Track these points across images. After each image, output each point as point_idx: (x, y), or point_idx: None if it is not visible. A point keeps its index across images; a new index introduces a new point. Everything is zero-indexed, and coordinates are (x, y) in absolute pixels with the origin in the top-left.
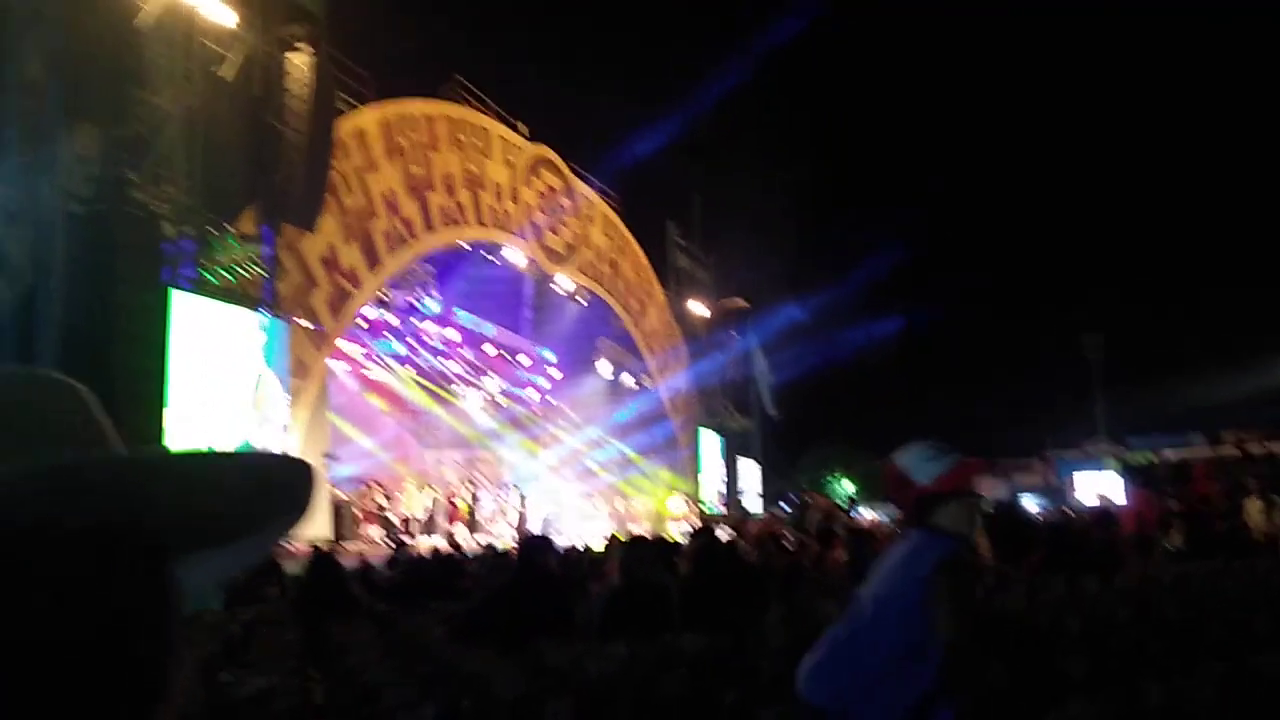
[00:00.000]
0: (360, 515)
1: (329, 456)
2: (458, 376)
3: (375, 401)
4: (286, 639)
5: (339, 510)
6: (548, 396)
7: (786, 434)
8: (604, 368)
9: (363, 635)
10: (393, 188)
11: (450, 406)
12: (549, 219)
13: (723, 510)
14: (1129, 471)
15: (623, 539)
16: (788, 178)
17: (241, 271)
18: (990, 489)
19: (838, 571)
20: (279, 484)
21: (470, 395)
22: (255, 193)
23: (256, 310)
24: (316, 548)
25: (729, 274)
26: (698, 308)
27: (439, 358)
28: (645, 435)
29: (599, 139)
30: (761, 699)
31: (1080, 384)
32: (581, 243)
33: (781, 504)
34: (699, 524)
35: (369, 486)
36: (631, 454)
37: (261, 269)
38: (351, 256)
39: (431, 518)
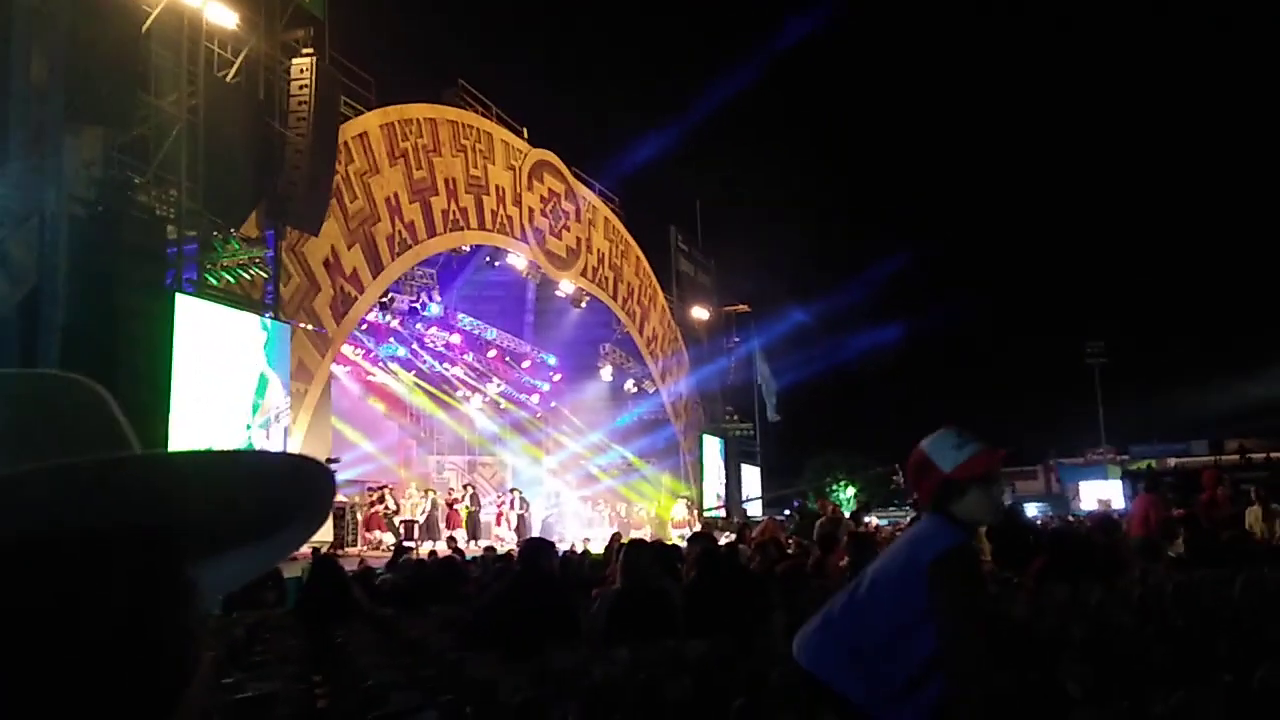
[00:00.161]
0: (362, 520)
1: (331, 461)
2: (460, 381)
3: (377, 405)
4: (289, 643)
5: (341, 514)
6: (550, 401)
7: (789, 439)
8: (606, 372)
9: (365, 639)
10: (396, 192)
11: (452, 411)
12: (551, 223)
13: (724, 515)
14: (1132, 477)
15: (624, 542)
16: (791, 184)
17: (244, 275)
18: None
19: (839, 576)
20: (297, 487)
21: (472, 399)
22: (258, 196)
23: (260, 314)
24: (317, 551)
25: (731, 279)
26: (700, 313)
27: (442, 362)
28: (647, 440)
29: (602, 144)
30: (768, 705)
31: (1083, 391)
32: (584, 247)
33: (785, 510)
34: (700, 529)
35: (374, 491)
36: (633, 459)
37: (264, 272)
38: (354, 260)
39: (432, 522)
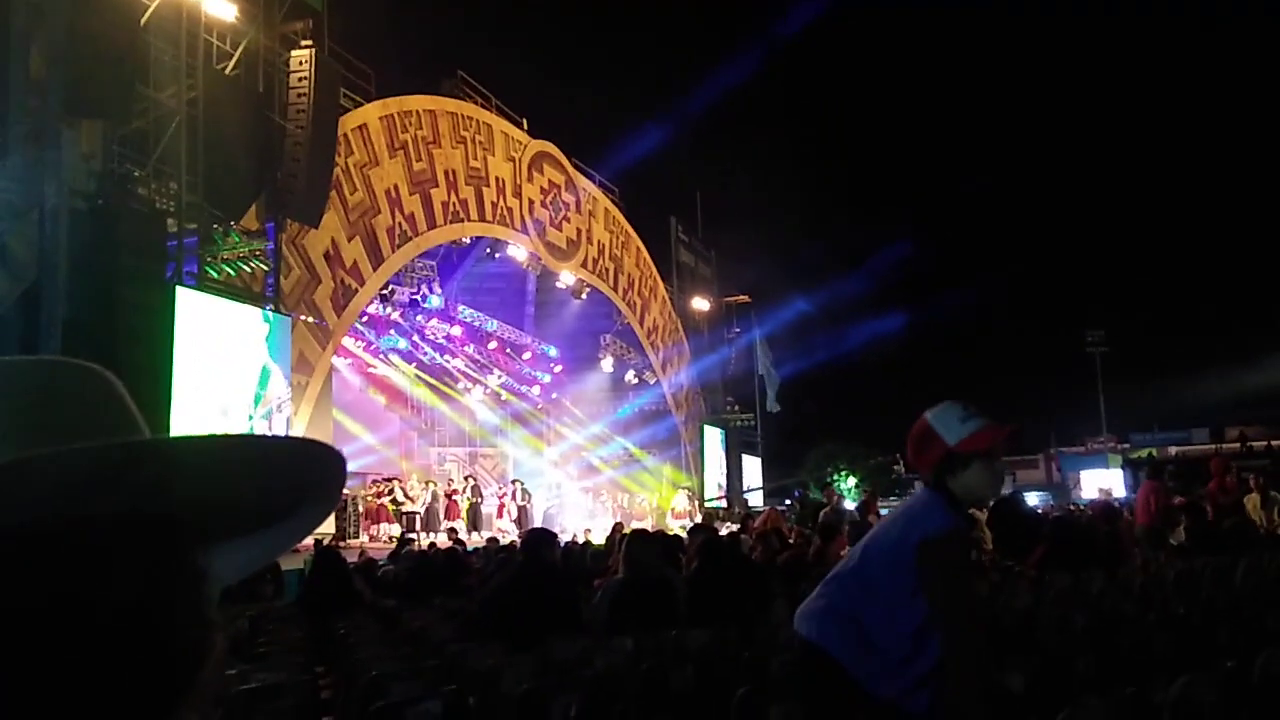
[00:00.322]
0: (364, 511)
1: None
2: (461, 372)
3: (378, 397)
4: (292, 634)
5: (343, 506)
6: (550, 392)
7: (790, 430)
8: (607, 364)
9: (368, 630)
10: (396, 184)
11: (453, 402)
12: (552, 215)
13: (725, 505)
14: (1133, 465)
15: (626, 533)
16: (791, 174)
17: (245, 268)
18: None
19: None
20: (308, 471)
21: (473, 391)
22: (258, 189)
23: (261, 307)
24: (319, 543)
25: (732, 270)
26: (700, 303)
27: (442, 354)
28: (648, 431)
29: (602, 135)
30: (771, 694)
31: (1083, 380)
32: (584, 238)
33: (786, 500)
34: (701, 520)
35: (381, 483)
36: (634, 450)
37: (265, 265)
38: (355, 252)
39: (433, 514)
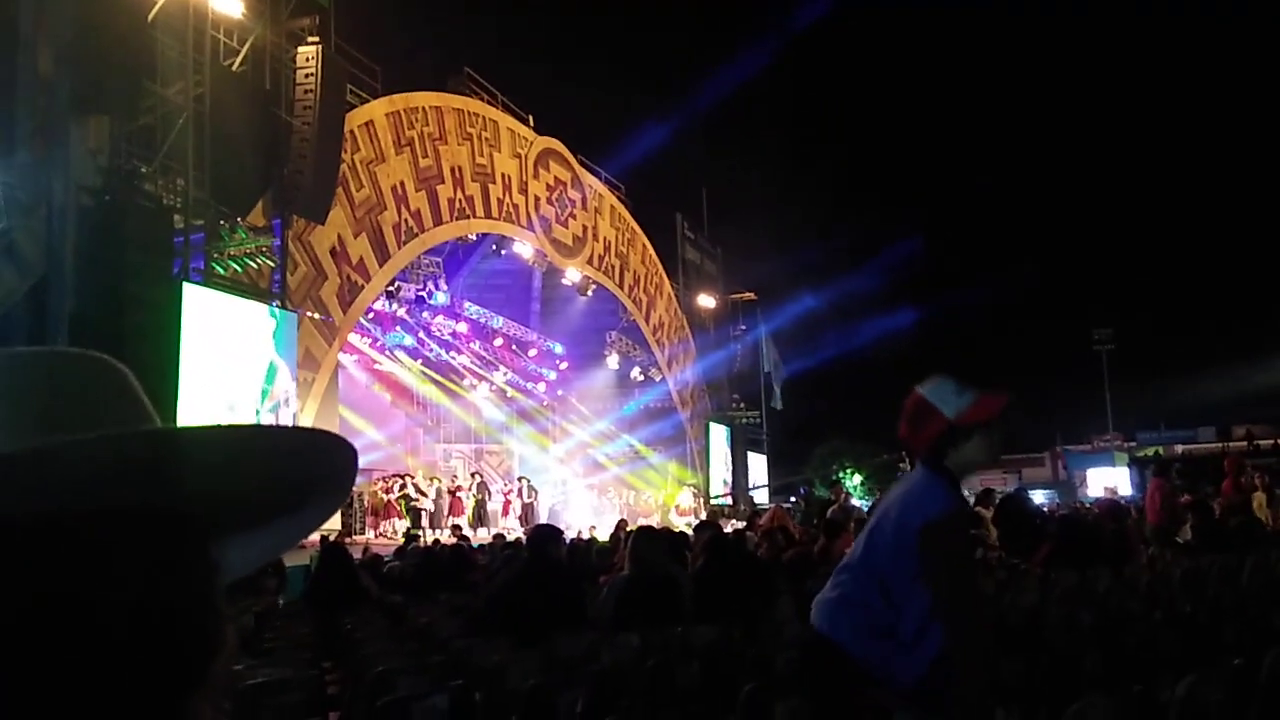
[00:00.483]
0: (370, 506)
1: None
2: (466, 369)
3: (384, 394)
4: (299, 630)
5: (349, 502)
6: (556, 389)
7: (795, 427)
8: (612, 360)
9: (375, 626)
10: (402, 180)
11: (459, 399)
12: (558, 211)
13: (730, 503)
14: (1139, 464)
15: (631, 529)
16: (798, 171)
17: (251, 264)
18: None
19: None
20: (320, 462)
21: (479, 388)
22: (265, 185)
23: (267, 303)
24: (325, 539)
25: (738, 267)
26: (706, 300)
27: (448, 351)
28: (654, 428)
29: (608, 132)
30: (776, 691)
31: (1090, 378)
32: (590, 235)
33: (791, 497)
34: (706, 517)
35: (392, 479)
36: (640, 447)
37: (271, 261)
38: (361, 249)
39: (439, 510)
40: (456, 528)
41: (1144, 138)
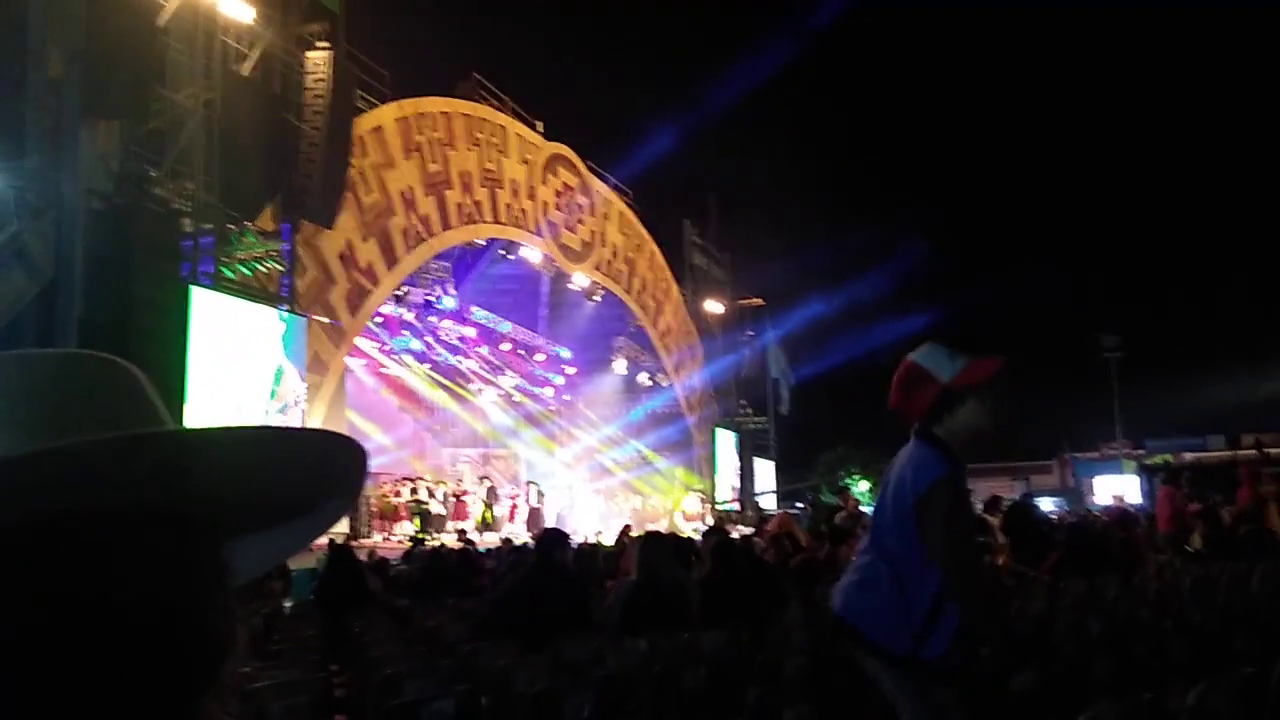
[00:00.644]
0: (378, 510)
1: None
2: (474, 373)
3: (391, 398)
4: (307, 633)
5: (356, 505)
6: (563, 394)
7: (802, 433)
8: (620, 366)
9: (382, 629)
10: (410, 185)
11: (466, 403)
12: (566, 217)
13: (738, 508)
14: (1148, 471)
15: (636, 534)
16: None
17: (260, 268)
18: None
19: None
20: (331, 464)
21: (486, 392)
22: (274, 189)
23: (275, 307)
24: (333, 542)
25: (745, 273)
26: (714, 306)
27: (456, 355)
28: (661, 433)
29: (617, 138)
30: (784, 697)
31: (1098, 385)
32: (598, 240)
33: (798, 503)
34: (714, 523)
35: (401, 482)
36: (647, 452)
37: (280, 265)
38: (369, 254)
39: (445, 514)
40: (462, 532)
41: (1155, 145)
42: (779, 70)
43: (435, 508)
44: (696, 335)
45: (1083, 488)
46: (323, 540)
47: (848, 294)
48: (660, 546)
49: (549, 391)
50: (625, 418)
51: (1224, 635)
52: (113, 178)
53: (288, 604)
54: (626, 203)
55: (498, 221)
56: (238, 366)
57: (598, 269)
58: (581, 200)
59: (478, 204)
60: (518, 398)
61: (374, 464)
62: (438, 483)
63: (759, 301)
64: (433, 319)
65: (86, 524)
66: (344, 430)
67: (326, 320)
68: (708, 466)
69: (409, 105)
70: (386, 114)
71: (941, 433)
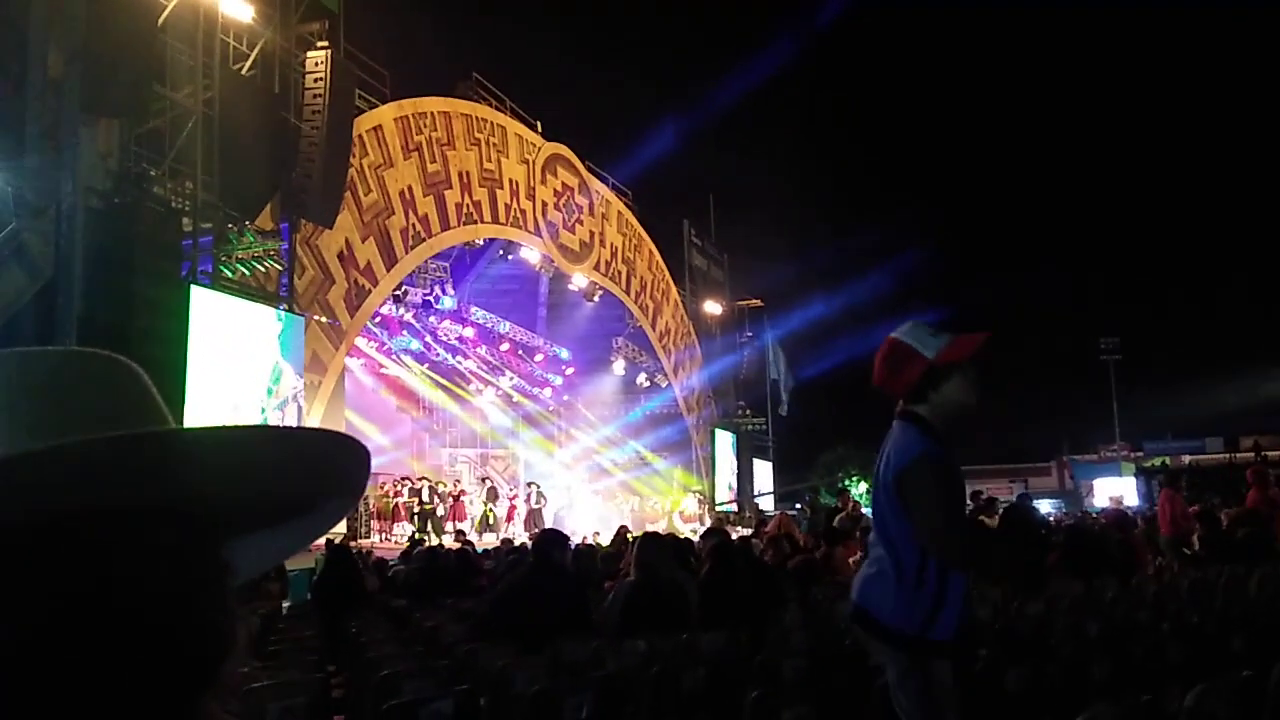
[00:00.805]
0: (375, 510)
1: None
2: (472, 374)
3: (390, 398)
4: (304, 633)
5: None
6: (562, 394)
7: (800, 433)
8: (619, 366)
9: (380, 630)
10: (410, 185)
11: (465, 404)
12: (565, 217)
13: (736, 509)
14: (1146, 474)
15: (634, 535)
16: (805, 179)
17: (259, 267)
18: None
19: (848, 571)
20: (333, 465)
21: (485, 393)
22: (273, 189)
23: (274, 306)
24: (331, 542)
25: (744, 273)
26: (713, 307)
27: (455, 355)
28: (659, 434)
29: (616, 138)
30: (783, 698)
31: (1097, 388)
32: (597, 241)
33: (796, 504)
34: (712, 523)
35: (399, 481)
36: (645, 453)
37: (279, 265)
38: (368, 253)
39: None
40: (460, 533)
41: (1155, 147)
42: (778, 70)
43: (438, 509)
44: (695, 336)
45: (1081, 490)
46: (320, 540)
47: (846, 295)
48: (659, 547)
49: (547, 392)
50: (624, 418)
51: (1222, 637)
52: (112, 177)
53: (285, 604)
54: (625, 203)
55: (497, 221)
56: (236, 365)
57: (596, 269)
58: (580, 200)
59: (477, 204)
60: (516, 398)
61: (373, 464)
62: (437, 483)
63: (758, 302)
64: (432, 319)
65: (87, 523)
66: (342, 430)
67: (325, 320)
68: (706, 467)
69: (408, 105)
70: (386, 113)
71: (926, 411)
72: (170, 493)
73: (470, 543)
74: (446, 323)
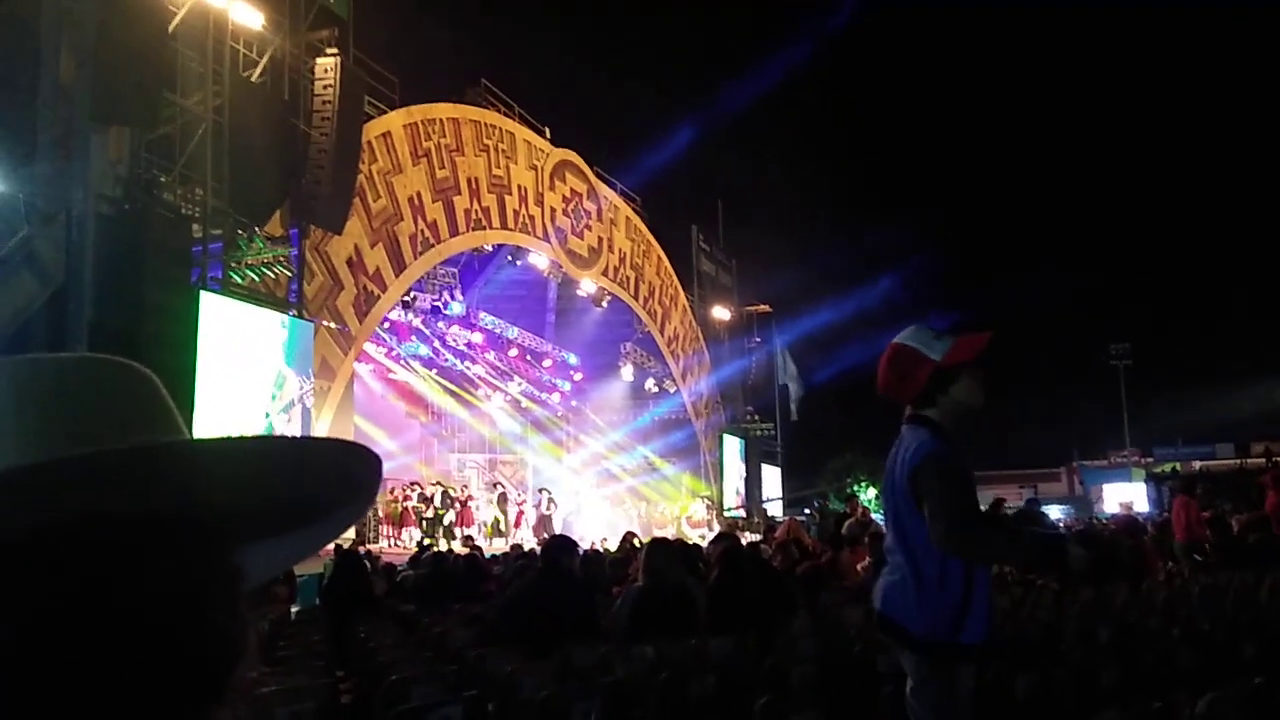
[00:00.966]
0: (384, 515)
1: None
2: (481, 379)
3: (399, 403)
4: (312, 638)
5: None
6: (571, 400)
7: (809, 439)
8: (627, 372)
9: (388, 635)
10: (418, 191)
11: (473, 409)
12: (573, 223)
13: (744, 515)
14: (1156, 480)
15: (640, 540)
16: (813, 184)
17: (268, 273)
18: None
19: (855, 576)
20: (345, 470)
21: (493, 398)
22: (283, 195)
23: (284, 312)
24: (340, 548)
25: (753, 279)
26: (721, 312)
27: (463, 361)
28: (668, 440)
29: (624, 144)
30: (792, 704)
31: (1107, 393)
32: (605, 247)
33: (805, 510)
34: (721, 529)
35: (410, 487)
36: (654, 458)
37: (288, 270)
38: (377, 259)
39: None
40: (469, 538)
41: (1166, 154)
42: (786, 76)
43: (447, 515)
44: (704, 342)
45: (1091, 495)
46: (330, 545)
47: (855, 300)
48: (667, 553)
49: (556, 397)
50: (632, 424)
51: (1233, 644)
52: (123, 183)
53: (294, 609)
54: (634, 209)
55: (505, 227)
56: (243, 370)
57: (605, 275)
58: (589, 206)
59: (485, 210)
60: (525, 403)
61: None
62: (446, 489)
63: (766, 308)
64: (440, 324)
65: (98, 532)
66: (351, 435)
67: (334, 326)
68: (714, 473)
69: (417, 111)
70: (395, 120)
71: (935, 414)
72: (179, 503)
73: (479, 548)
74: (455, 328)
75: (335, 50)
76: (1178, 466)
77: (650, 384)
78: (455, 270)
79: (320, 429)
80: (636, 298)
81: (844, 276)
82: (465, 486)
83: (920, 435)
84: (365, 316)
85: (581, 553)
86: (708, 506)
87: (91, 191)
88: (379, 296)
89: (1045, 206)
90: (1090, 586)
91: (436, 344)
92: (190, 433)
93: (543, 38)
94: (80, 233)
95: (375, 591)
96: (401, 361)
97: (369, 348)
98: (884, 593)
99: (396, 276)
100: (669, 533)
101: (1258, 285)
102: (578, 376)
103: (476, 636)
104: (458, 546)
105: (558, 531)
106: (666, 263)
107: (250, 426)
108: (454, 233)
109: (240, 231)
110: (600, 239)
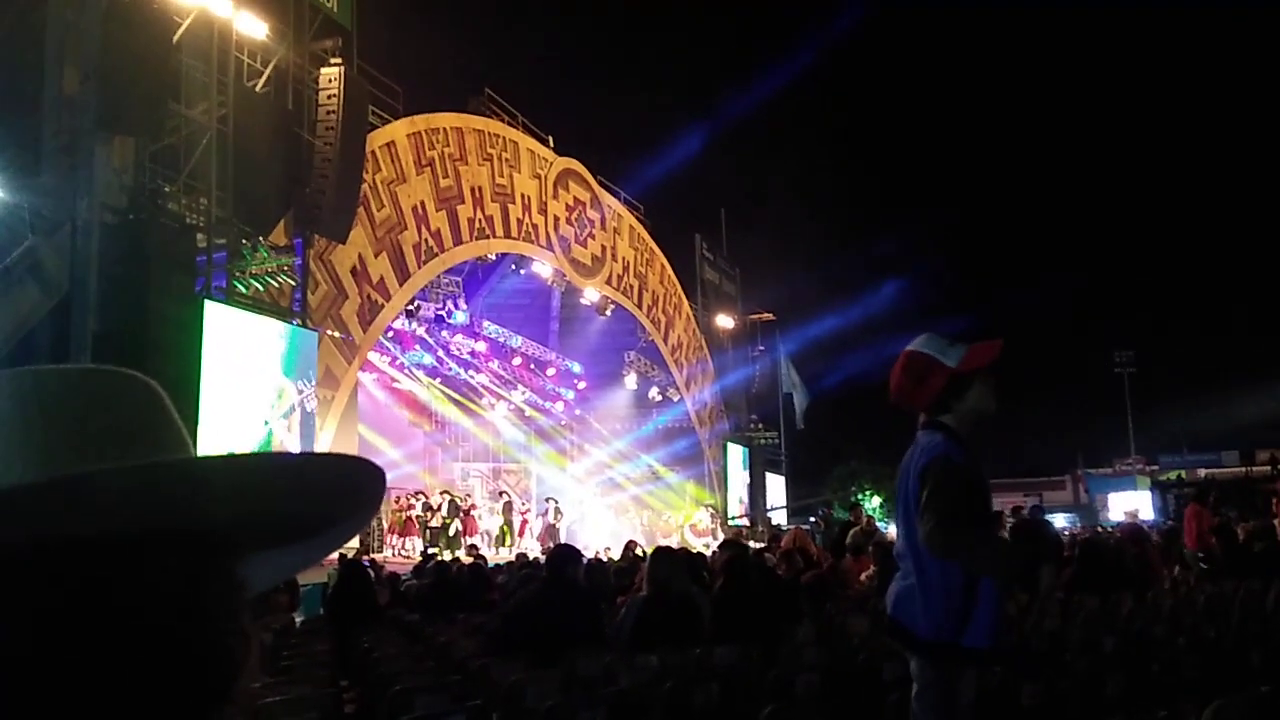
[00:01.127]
0: (389, 526)
1: None
2: (485, 388)
3: (402, 412)
4: (317, 648)
5: None
6: (574, 409)
7: (813, 447)
8: (631, 380)
9: (393, 644)
10: (422, 200)
11: (477, 418)
12: (577, 231)
13: (747, 524)
14: (1161, 487)
15: (643, 549)
16: (816, 193)
17: (273, 282)
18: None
19: (858, 585)
20: (346, 485)
21: (497, 407)
22: (287, 204)
23: (288, 321)
24: (344, 557)
25: (756, 287)
26: (725, 321)
27: (467, 369)
28: (672, 448)
29: (628, 153)
30: (796, 713)
31: (1112, 401)
32: (609, 255)
33: (810, 518)
34: (725, 538)
35: (414, 495)
36: (658, 467)
37: (292, 280)
38: (381, 268)
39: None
40: (473, 547)
41: (1170, 161)
42: (790, 84)
43: (442, 523)
44: (707, 350)
45: (1096, 503)
46: (333, 555)
47: (858, 309)
48: (671, 562)
49: (560, 406)
50: (636, 432)
51: (1239, 653)
52: (127, 193)
53: (298, 618)
54: (637, 217)
55: (509, 236)
56: (245, 379)
57: (608, 283)
58: (592, 215)
59: (489, 219)
60: (529, 412)
61: (386, 479)
62: (455, 496)
63: (770, 316)
64: (444, 333)
65: (101, 546)
66: (355, 444)
67: (338, 335)
68: (718, 481)
69: (421, 121)
70: (399, 129)
71: (951, 420)
72: (180, 519)
73: (483, 557)
74: (459, 337)
75: (339, 60)
76: (1183, 474)
77: (654, 392)
78: (459, 279)
79: (324, 438)
80: (640, 306)
81: (848, 284)
82: (469, 495)
83: (934, 439)
84: (369, 326)
85: (585, 562)
86: (712, 515)
87: (96, 201)
88: (383, 305)
89: (1049, 214)
90: (1096, 595)
91: (440, 353)
92: (194, 442)
93: (546, 47)
94: (85, 242)
95: (379, 601)
96: (405, 370)
97: (373, 357)
98: (895, 597)
99: (400, 285)
100: (673, 541)
101: (1262, 292)
102: (581, 385)
103: (481, 646)
104: (462, 556)
105: (562, 540)
106: (670, 271)
107: (251, 434)
108: (458, 242)
109: (244, 241)
110: (604, 247)
